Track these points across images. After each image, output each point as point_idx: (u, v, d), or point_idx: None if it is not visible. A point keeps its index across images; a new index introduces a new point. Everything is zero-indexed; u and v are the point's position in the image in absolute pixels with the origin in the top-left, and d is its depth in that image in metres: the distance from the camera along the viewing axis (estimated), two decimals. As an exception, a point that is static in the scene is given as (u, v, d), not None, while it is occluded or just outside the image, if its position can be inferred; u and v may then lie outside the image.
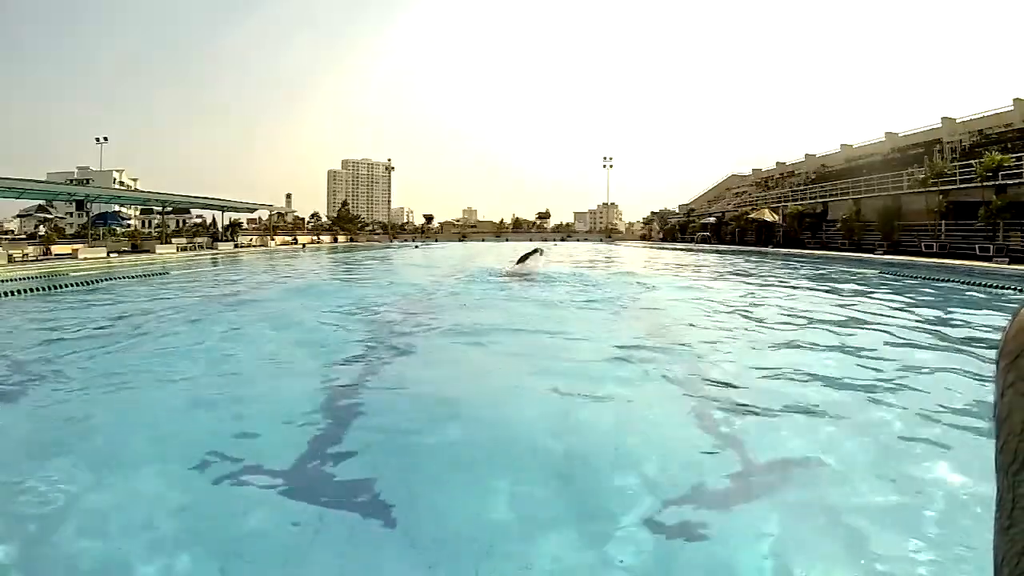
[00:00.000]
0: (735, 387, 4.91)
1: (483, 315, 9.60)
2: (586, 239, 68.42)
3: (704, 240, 46.33)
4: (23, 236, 41.41)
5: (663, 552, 2.55)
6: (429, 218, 78.15)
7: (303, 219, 72.38)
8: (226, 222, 41.34)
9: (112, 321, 8.59)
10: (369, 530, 2.75)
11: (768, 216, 35.90)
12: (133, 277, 16.31)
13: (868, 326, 7.81)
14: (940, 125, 31.86)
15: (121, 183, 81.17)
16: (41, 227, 44.88)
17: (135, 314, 9.31)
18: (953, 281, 13.61)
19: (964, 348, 6.39)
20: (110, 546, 2.60)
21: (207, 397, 4.86)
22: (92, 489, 3.17)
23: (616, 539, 2.62)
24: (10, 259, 20.11)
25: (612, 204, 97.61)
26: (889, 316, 8.62)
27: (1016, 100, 27.75)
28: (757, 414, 4.19)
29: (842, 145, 41.20)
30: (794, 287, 13.44)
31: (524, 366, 6.10)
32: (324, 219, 74.78)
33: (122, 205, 40.31)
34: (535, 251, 15.66)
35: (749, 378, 5.22)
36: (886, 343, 6.66)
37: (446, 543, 2.66)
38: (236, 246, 36.61)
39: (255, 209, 45.96)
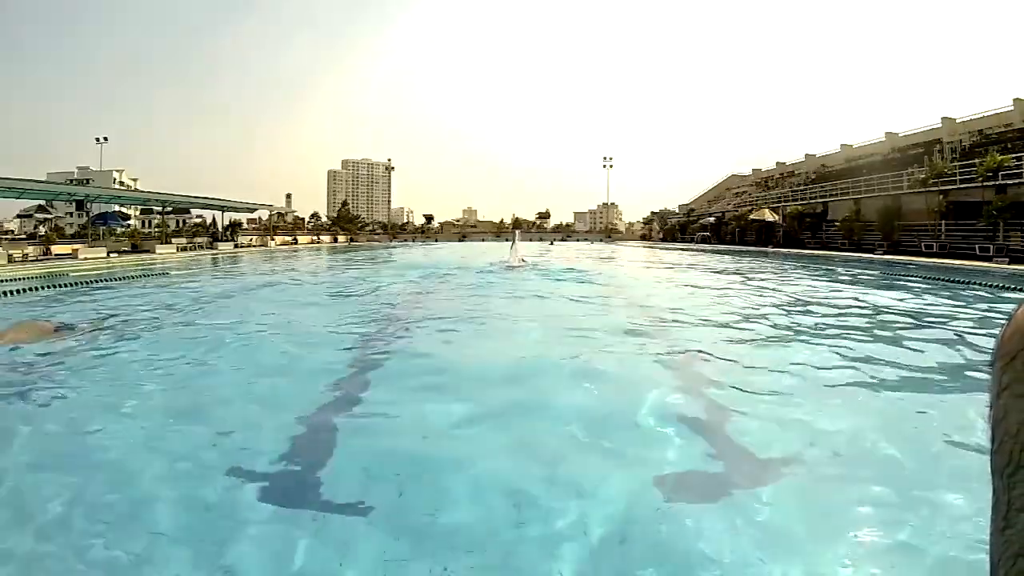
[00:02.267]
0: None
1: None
2: (586, 239, 68.38)
3: (704, 240, 46.33)
4: (23, 236, 41.43)
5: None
6: (429, 218, 78.04)
7: (303, 219, 72.35)
8: (226, 222, 41.35)
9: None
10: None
11: (768, 216, 35.91)
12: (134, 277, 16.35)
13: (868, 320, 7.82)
14: (940, 125, 31.87)
15: (121, 183, 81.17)
16: (41, 227, 44.99)
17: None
18: (953, 282, 13.61)
19: (959, 348, 6.40)
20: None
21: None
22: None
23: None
24: (10, 259, 20.11)
25: (612, 204, 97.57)
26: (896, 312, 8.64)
27: (1016, 100, 27.76)
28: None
29: (842, 145, 41.22)
30: (785, 279, 13.45)
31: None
32: (324, 219, 74.75)
33: (122, 205, 40.30)
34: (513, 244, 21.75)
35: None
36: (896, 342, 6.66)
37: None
38: (236, 246, 36.61)
39: (255, 209, 45.97)
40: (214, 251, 31.90)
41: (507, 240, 61.89)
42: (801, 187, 39.76)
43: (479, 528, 2.73)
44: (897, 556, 2.51)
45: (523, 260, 20.06)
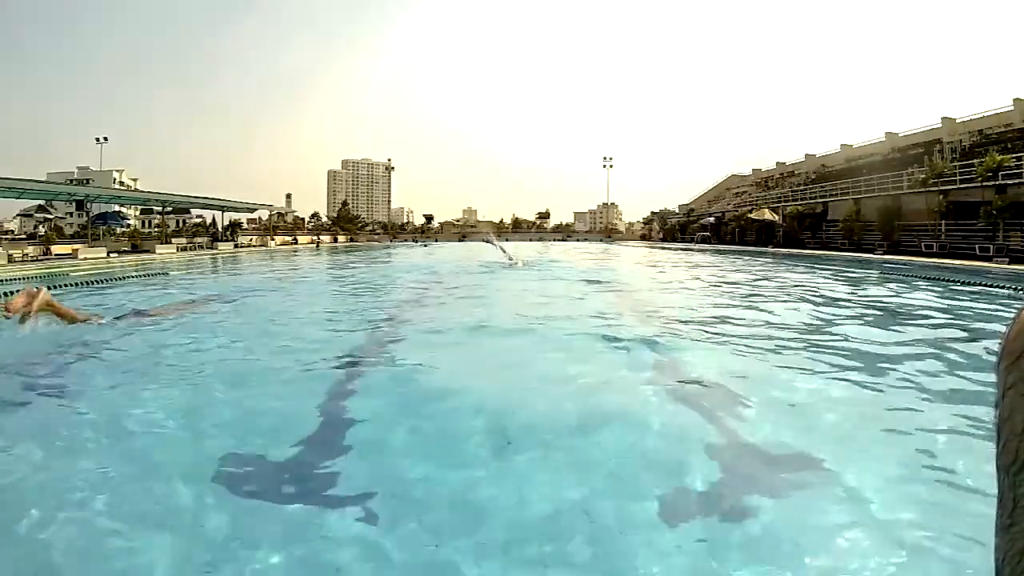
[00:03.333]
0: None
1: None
2: (586, 239, 68.35)
3: (704, 240, 46.33)
4: (23, 236, 41.43)
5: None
6: (429, 218, 77.98)
7: (303, 219, 72.34)
8: (226, 222, 41.34)
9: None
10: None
11: (768, 216, 35.92)
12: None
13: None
14: (940, 125, 31.87)
15: (121, 183, 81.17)
16: (41, 227, 44.95)
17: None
18: (953, 282, 13.61)
19: (964, 348, 6.40)
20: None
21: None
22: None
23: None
24: (10, 259, 20.13)
25: (612, 204, 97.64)
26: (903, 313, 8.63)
27: (1016, 100, 27.77)
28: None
29: (842, 145, 41.22)
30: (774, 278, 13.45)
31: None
32: (324, 219, 74.74)
33: (122, 205, 40.31)
34: (501, 248, 22.32)
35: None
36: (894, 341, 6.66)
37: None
38: (236, 246, 36.61)
39: (255, 209, 45.97)
40: (214, 251, 31.89)
41: (507, 240, 62.10)
42: (801, 187, 39.77)
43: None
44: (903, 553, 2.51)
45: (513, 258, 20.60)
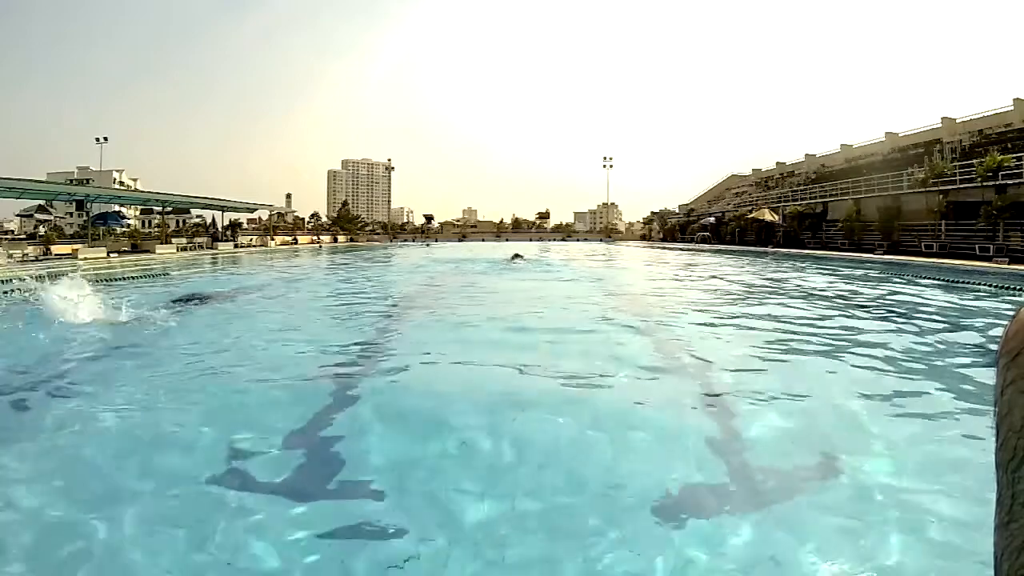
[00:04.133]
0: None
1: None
2: (586, 239, 68.37)
3: (704, 240, 46.27)
4: (23, 236, 41.42)
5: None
6: (429, 218, 77.92)
7: (303, 219, 72.31)
8: (226, 222, 41.32)
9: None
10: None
11: (768, 216, 35.86)
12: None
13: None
14: (940, 125, 31.85)
15: (121, 183, 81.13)
16: (41, 227, 44.96)
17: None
18: (953, 281, 13.59)
19: (959, 346, 6.39)
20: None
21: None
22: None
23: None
24: (10, 259, 20.11)
25: (612, 204, 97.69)
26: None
27: (1016, 100, 27.75)
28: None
29: (842, 145, 41.19)
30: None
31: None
32: (324, 219, 74.71)
33: (122, 205, 40.27)
34: (518, 255, 24.43)
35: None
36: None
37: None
38: (236, 246, 36.61)
39: (255, 209, 45.94)
40: (214, 251, 31.88)
41: (507, 240, 61.97)
42: (801, 187, 39.72)
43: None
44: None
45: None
